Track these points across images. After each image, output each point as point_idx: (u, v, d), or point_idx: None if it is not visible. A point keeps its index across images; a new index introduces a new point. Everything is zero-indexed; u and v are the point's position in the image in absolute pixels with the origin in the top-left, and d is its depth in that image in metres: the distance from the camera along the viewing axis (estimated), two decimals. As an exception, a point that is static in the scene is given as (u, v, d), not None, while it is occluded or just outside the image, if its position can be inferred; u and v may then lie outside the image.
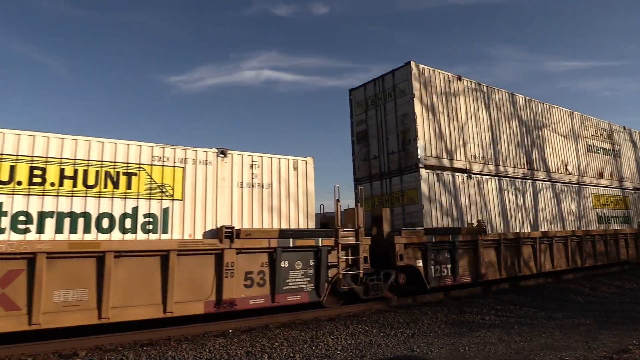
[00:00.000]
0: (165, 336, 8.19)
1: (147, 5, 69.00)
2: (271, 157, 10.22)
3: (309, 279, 10.05)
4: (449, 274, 12.41)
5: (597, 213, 17.84)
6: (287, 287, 9.73)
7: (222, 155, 9.62)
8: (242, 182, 9.74)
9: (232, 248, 9.01)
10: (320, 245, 10.11)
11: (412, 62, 13.07)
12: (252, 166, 9.90)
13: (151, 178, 8.67)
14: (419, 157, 12.51)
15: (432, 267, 12.06)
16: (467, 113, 14.09)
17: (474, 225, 13.16)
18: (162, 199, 8.69)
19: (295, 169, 10.53)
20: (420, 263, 11.80)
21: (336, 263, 10.30)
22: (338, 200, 10.53)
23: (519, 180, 15.19)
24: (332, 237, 10.31)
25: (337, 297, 10.82)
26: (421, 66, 13.34)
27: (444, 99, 13.64)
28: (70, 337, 7.49)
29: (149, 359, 6.91)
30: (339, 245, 10.27)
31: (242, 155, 9.86)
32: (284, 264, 9.76)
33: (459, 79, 14.30)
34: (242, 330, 8.87)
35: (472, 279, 12.84)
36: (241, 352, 7.19)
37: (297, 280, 9.91)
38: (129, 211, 8.35)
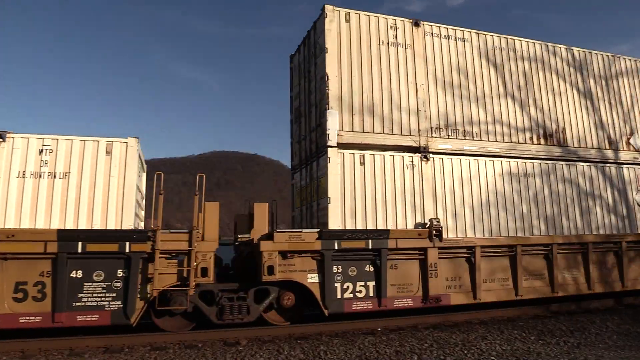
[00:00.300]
0: (317, 331, 8.34)
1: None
2: (72, 140, 7.91)
3: (114, 294, 7.56)
4: (370, 294, 8.72)
5: None
6: (78, 304, 7.38)
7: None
8: (24, 172, 7.69)
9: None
10: (128, 250, 7.54)
11: (326, 6, 9.69)
12: (42, 151, 7.81)
13: None
14: (328, 132, 9.01)
15: (338, 284, 8.60)
16: (433, 71, 10.15)
17: (427, 225, 9.23)
18: None
19: (109, 153, 8.15)
20: (314, 279, 8.43)
21: (170, 273, 7.64)
22: (161, 193, 7.86)
23: (532, 160, 10.68)
24: (148, 241, 7.67)
25: (185, 319, 8.12)
26: (344, 11, 9.75)
27: (383, 52, 10.00)
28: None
29: (302, 352, 7.14)
30: (157, 252, 7.56)
31: (28, 138, 7.74)
32: (76, 274, 7.48)
33: (416, 24, 10.52)
34: (390, 329, 8.63)
35: (420, 302, 8.95)
36: (390, 351, 7.17)
37: (95, 295, 7.45)
38: None
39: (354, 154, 9.11)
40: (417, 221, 9.25)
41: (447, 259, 9.33)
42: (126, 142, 8.18)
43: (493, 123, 10.53)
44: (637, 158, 12.01)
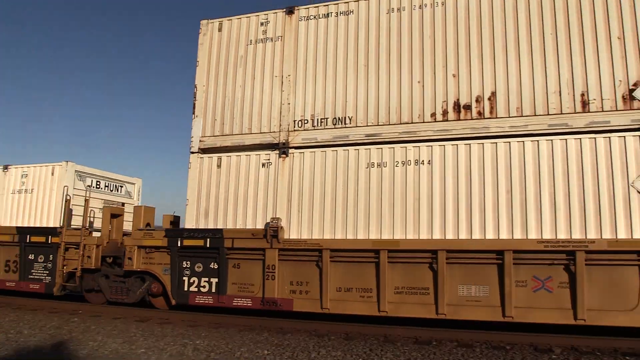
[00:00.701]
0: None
1: None
2: (34, 167, 12.46)
3: (47, 272, 11.15)
4: (212, 290, 9.55)
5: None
6: (30, 276, 11.36)
7: None
8: (15, 190, 12.43)
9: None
10: (50, 242, 11.09)
11: (202, 21, 10.66)
12: (22, 176, 12.30)
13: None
14: (191, 139, 10.22)
15: (186, 278, 9.79)
16: (304, 58, 9.68)
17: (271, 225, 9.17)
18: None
19: (53, 174, 11.92)
20: (167, 272, 9.90)
21: (75, 259, 10.85)
22: (67, 200, 10.91)
23: (429, 143, 8.60)
24: (58, 236, 10.96)
25: (104, 295, 10.95)
26: (218, 21, 10.55)
27: (251, 51, 10.13)
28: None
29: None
30: (62, 244, 10.78)
31: (19, 167, 12.65)
32: (29, 256, 11.38)
33: (290, 11, 9.93)
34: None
35: (259, 304, 9.22)
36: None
37: (39, 271, 11.30)
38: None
39: (212, 157, 10.07)
40: (267, 220, 9.47)
41: (290, 261, 9.17)
42: (64, 164, 11.84)
43: (378, 106, 9.05)
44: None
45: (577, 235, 7.67)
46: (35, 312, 10.44)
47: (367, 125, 9.12)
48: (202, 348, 7.62)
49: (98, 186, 13.28)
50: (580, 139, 7.88)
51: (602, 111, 7.86)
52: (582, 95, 8.02)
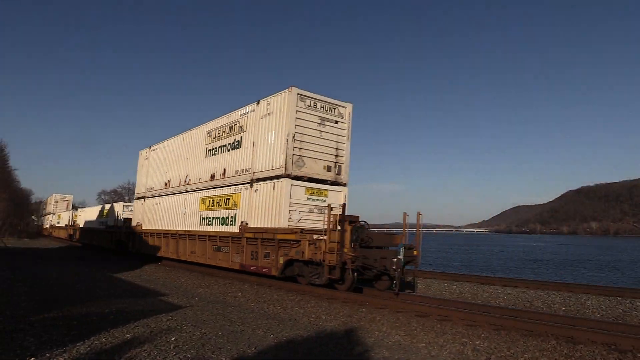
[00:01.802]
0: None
1: None
2: None
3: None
4: None
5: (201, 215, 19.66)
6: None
7: None
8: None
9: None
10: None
11: (141, 150, 27.42)
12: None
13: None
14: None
15: None
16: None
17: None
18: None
19: None
20: None
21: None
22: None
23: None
24: None
25: None
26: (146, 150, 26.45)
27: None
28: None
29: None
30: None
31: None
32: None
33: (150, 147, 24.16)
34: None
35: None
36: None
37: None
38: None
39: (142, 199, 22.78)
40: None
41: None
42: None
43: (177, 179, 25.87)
44: None
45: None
46: (331, 301, 12.68)
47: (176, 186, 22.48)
48: (482, 349, 8.00)
49: (315, 106, 14.91)
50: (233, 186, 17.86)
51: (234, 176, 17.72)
52: (213, 175, 19.15)
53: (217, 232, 18.05)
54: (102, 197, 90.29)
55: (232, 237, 16.79)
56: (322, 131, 15.03)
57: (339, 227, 12.28)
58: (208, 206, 18.91)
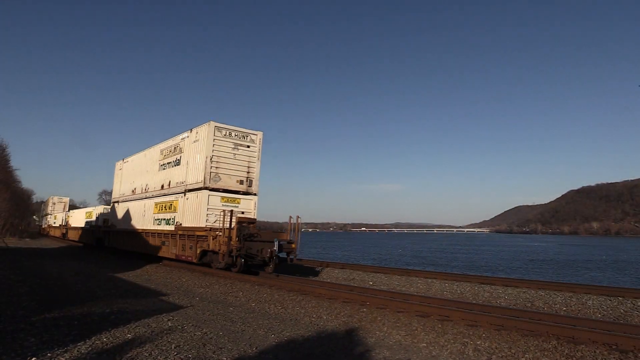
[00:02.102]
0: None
1: None
2: None
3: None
4: None
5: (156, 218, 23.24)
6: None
7: None
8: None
9: None
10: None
11: (117, 162, 30.37)
12: None
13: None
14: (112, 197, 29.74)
15: None
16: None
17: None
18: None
19: None
20: None
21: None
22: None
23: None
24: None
25: None
26: (121, 161, 31.03)
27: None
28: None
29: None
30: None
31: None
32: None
33: (123, 159, 29.79)
34: None
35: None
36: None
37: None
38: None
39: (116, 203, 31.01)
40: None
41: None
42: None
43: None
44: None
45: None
46: (332, 301, 12.70)
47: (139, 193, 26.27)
48: (482, 349, 8.01)
49: (230, 135, 19.03)
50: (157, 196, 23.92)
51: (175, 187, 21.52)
52: (162, 185, 23.28)
53: (162, 230, 22.11)
54: (103, 197, 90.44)
55: (171, 234, 21.04)
56: (235, 154, 19.20)
57: (232, 226, 16.53)
58: (159, 210, 22.92)
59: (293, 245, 17.79)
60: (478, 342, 8.38)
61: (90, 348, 6.81)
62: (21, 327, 8.00)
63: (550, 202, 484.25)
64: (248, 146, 19.43)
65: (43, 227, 73.87)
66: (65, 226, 52.46)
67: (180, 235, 20.04)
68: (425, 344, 8.33)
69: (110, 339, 7.42)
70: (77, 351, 6.62)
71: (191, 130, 20.17)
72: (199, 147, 19.19)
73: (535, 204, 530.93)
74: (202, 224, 18.16)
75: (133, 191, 26.93)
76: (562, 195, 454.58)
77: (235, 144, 19.10)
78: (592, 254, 65.19)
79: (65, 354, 6.43)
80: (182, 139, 21.13)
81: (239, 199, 18.93)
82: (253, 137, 19.64)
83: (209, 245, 17.50)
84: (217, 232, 17.00)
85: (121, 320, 8.81)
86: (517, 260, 48.79)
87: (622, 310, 12.29)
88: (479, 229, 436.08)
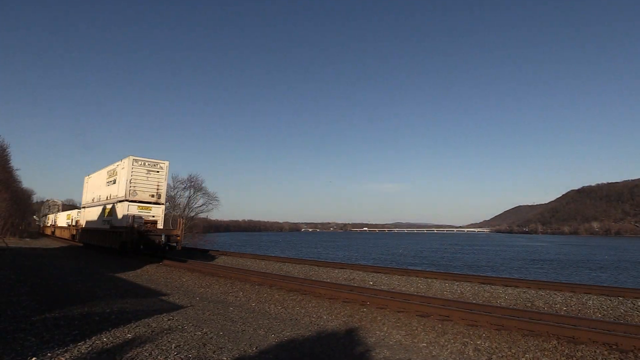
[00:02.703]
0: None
1: None
2: None
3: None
4: None
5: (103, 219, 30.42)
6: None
7: None
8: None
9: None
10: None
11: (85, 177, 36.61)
12: None
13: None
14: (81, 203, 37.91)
15: None
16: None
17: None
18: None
19: None
20: None
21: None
22: None
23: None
24: None
25: None
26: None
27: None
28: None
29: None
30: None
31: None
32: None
33: (87, 174, 37.18)
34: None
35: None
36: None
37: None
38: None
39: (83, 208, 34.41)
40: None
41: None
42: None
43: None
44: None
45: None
46: (332, 301, 12.71)
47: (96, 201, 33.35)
48: (483, 349, 8.01)
49: (144, 164, 26.94)
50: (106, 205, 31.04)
51: (112, 198, 29.69)
52: (107, 197, 30.85)
53: (105, 228, 29.73)
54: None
55: (108, 231, 28.72)
56: (148, 177, 26.92)
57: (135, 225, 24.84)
58: (105, 214, 30.20)
59: (179, 238, 26.03)
60: (478, 342, 8.38)
61: (90, 348, 6.82)
62: (21, 327, 8.01)
63: (550, 202, 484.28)
64: (157, 171, 27.38)
65: (41, 226, 79.17)
66: (54, 225, 60.81)
67: (112, 232, 27.94)
68: (425, 344, 8.33)
69: (111, 338, 7.42)
70: (78, 351, 6.62)
71: (122, 160, 27.88)
72: (124, 172, 26.80)
73: (535, 203, 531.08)
74: (124, 224, 25.67)
75: (93, 200, 35.01)
76: (562, 195, 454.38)
77: (148, 170, 27.01)
78: (593, 254, 65.18)
79: (65, 354, 6.44)
80: (117, 165, 28.76)
81: (151, 207, 26.82)
82: (162, 165, 27.65)
83: (124, 238, 25.18)
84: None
85: (121, 320, 8.81)
86: (518, 260, 48.83)
87: (622, 310, 12.28)
88: (479, 229, 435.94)
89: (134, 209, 26.05)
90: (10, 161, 60.57)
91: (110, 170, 30.64)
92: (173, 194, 65.52)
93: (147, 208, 26.70)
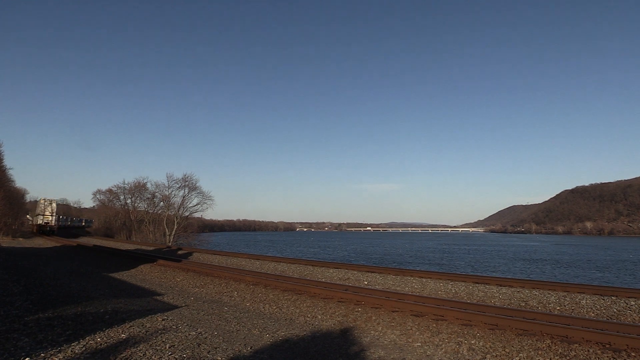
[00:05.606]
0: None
1: None
2: None
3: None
4: None
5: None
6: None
7: None
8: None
9: None
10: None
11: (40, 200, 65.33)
12: None
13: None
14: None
15: None
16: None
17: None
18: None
19: None
20: None
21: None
22: None
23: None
24: None
25: None
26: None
27: None
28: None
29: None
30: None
31: None
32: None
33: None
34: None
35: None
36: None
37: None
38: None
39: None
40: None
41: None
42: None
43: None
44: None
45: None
46: (327, 301, 12.72)
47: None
48: (477, 348, 8.04)
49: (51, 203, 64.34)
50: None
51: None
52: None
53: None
54: (98, 196, 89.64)
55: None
56: (49, 206, 63.17)
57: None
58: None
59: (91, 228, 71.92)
60: (472, 342, 8.41)
61: (84, 348, 6.79)
62: (15, 327, 7.96)
63: (544, 202, 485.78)
64: (50, 202, 62.82)
65: (33, 224, 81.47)
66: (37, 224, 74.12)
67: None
68: (419, 344, 8.35)
69: (105, 339, 7.39)
70: (71, 351, 6.59)
71: (44, 198, 63.14)
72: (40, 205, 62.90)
73: (529, 203, 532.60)
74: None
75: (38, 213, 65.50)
76: (556, 195, 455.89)
77: (50, 202, 63.14)
78: (588, 254, 65.52)
79: (59, 354, 6.41)
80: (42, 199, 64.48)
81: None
82: (54, 204, 63.26)
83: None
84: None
85: (115, 320, 8.78)
86: (516, 260, 49.00)
87: (615, 310, 12.35)
88: (473, 229, 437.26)
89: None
90: (3, 160, 60.30)
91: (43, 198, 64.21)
92: (167, 194, 65.52)
93: (48, 217, 61.80)
